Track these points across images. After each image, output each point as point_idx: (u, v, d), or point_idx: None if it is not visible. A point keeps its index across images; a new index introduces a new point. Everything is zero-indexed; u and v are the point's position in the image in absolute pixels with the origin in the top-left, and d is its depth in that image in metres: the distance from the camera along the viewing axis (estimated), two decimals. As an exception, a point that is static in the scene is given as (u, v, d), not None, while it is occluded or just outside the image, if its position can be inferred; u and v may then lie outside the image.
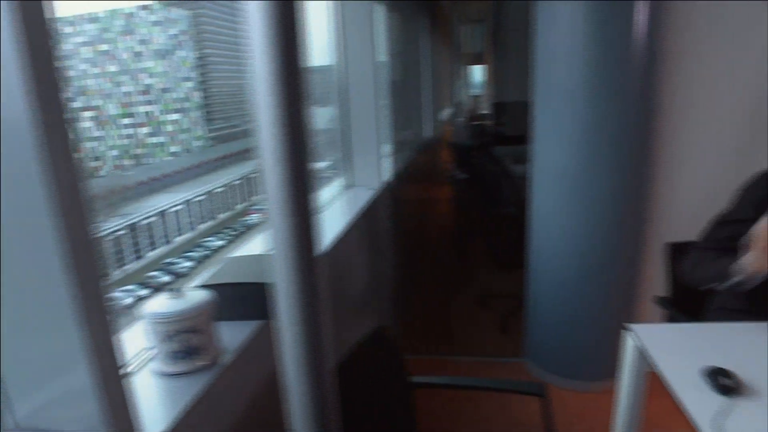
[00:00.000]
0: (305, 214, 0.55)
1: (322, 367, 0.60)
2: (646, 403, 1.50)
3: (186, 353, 1.03)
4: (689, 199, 2.49)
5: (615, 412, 1.57)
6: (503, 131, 5.75)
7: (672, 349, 1.32)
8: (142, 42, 2.88)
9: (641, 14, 2.15)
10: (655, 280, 2.07)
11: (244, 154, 3.21)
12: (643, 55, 2.20)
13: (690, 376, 1.21)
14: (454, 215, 4.72)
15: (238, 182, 3.08)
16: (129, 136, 2.77)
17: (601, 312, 2.48)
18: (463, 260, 4.10)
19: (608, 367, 2.09)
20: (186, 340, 1.03)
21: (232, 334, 1.17)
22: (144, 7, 2.95)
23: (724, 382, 1.14)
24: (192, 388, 0.99)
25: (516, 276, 2.86)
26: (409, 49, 4.43)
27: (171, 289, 1.06)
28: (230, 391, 1.11)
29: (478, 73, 14.23)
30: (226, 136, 3.38)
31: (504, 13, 6.47)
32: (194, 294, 1.07)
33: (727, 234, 1.59)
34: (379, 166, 2.66)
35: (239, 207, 2.93)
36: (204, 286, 1.17)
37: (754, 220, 1.57)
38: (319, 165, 2.68)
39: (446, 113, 7.69)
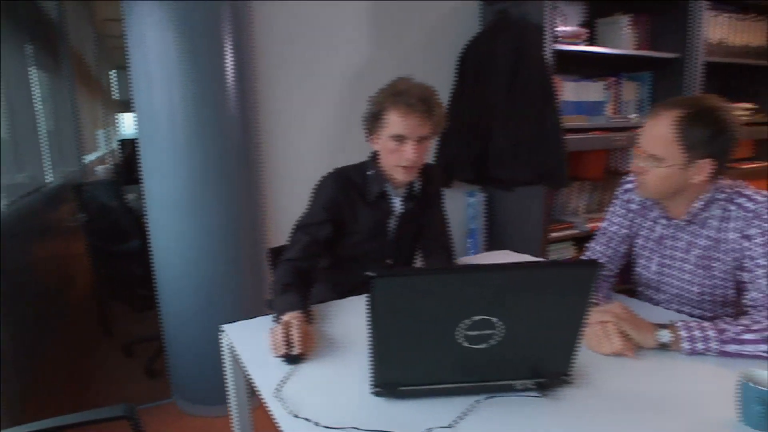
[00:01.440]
0: None
1: None
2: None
3: None
4: (293, 205, 2.73)
5: (232, 418, 1.60)
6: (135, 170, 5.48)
7: (258, 339, 1.41)
8: None
9: (227, 27, 2.27)
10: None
11: None
12: (235, 75, 2.33)
13: (270, 358, 1.31)
14: (84, 261, 4.20)
15: None
16: None
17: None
18: (102, 308, 3.69)
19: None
20: None
21: None
22: None
23: (288, 353, 1.28)
24: None
25: (154, 315, 2.72)
26: (20, 91, 3.88)
27: None
28: None
29: (128, 118, 13.51)
30: None
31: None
32: None
33: (307, 239, 1.72)
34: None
35: None
36: None
37: (326, 221, 1.75)
38: None
39: (87, 158, 7.01)
